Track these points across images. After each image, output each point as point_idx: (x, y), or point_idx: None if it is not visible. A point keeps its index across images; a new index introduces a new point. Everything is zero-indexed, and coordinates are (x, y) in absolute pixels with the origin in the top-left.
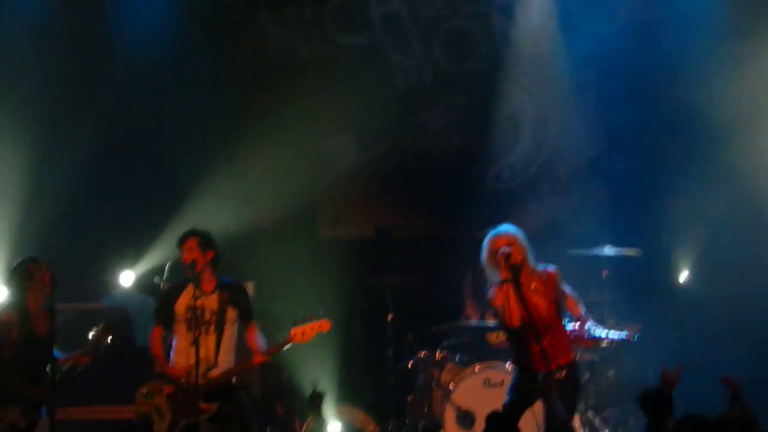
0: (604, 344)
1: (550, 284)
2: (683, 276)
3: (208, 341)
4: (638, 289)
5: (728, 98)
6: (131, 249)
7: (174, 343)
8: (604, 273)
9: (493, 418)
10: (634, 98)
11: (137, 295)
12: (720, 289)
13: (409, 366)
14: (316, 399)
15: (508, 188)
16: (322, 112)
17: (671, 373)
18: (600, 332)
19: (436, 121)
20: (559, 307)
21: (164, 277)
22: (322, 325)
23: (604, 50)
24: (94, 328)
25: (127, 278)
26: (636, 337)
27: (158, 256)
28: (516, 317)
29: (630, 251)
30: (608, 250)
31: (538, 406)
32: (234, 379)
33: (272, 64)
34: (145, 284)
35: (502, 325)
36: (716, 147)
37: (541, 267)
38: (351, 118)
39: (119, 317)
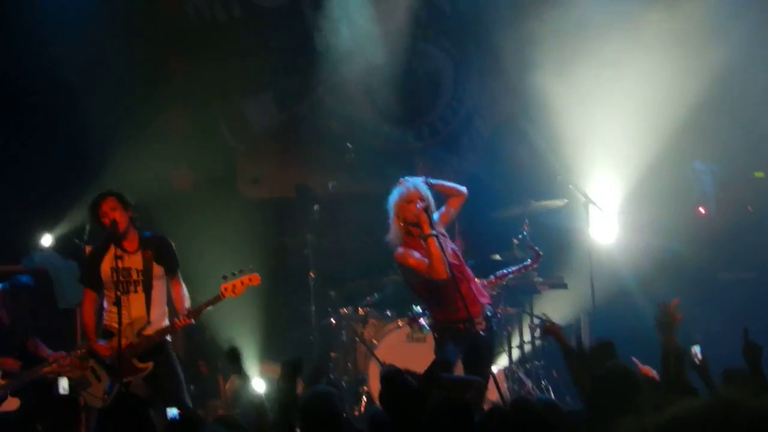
0: (510, 276)
1: (444, 232)
2: (605, 230)
3: (138, 300)
4: (560, 243)
5: None
6: (50, 211)
7: (104, 305)
8: (525, 227)
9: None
10: None
11: (58, 257)
12: (641, 242)
13: (332, 322)
14: (233, 356)
15: (429, 146)
16: (241, 72)
17: (549, 326)
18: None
19: (354, 81)
20: (461, 252)
21: (84, 239)
22: (252, 279)
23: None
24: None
25: (46, 240)
26: (540, 259)
27: (77, 217)
28: (444, 270)
29: (555, 202)
30: (531, 205)
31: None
32: (169, 337)
33: (190, 25)
34: (65, 246)
35: (424, 282)
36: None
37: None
38: (269, 78)
39: (40, 279)
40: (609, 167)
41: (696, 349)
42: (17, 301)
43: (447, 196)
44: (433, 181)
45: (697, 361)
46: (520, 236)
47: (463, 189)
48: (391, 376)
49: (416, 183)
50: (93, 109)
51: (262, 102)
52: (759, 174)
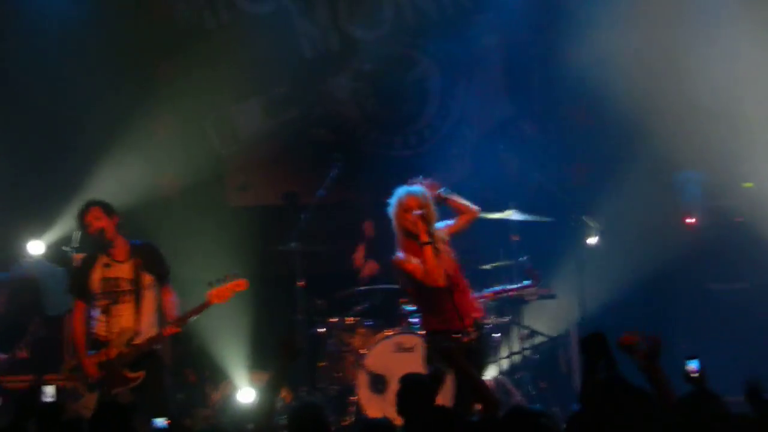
0: (506, 294)
1: (446, 241)
2: (592, 240)
3: (127, 310)
4: (548, 253)
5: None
6: (38, 218)
7: (94, 314)
8: (514, 237)
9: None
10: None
11: (46, 265)
12: (628, 253)
13: (321, 332)
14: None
15: (416, 154)
16: (229, 79)
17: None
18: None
19: (342, 88)
20: (460, 264)
21: (72, 246)
22: (239, 284)
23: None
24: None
25: (35, 247)
26: (539, 283)
27: (66, 225)
28: (441, 277)
29: (541, 217)
30: (517, 215)
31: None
32: (157, 346)
33: (178, 31)
34: (54, 253)
35: (420, 288)
36: (623, 110)
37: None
38: (258, 84)
39: (29, 287)
40: (598, 176)
41: (693, 365)
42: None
43: (459, 212)
44: (447, 194)
45: (693, 376)
46: (521, 259)
47: (476, 208)
48: (413, 379)
49: (413, 190)
50: (81, 116)
51: (250, 109)
52: (749, 184)
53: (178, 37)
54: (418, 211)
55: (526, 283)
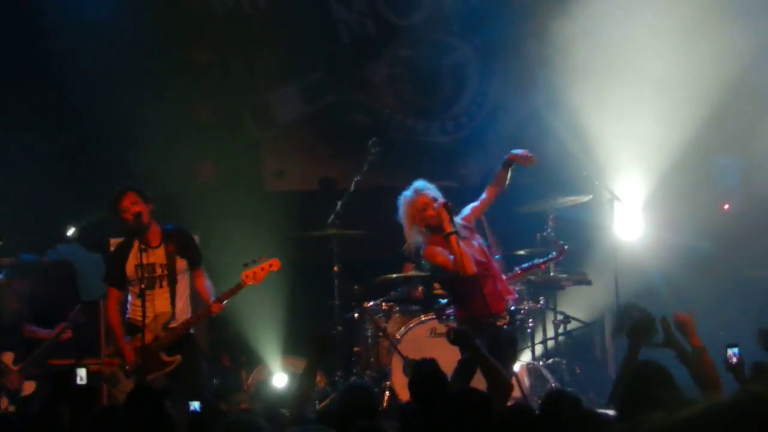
0: (535, 267)
1: (471, 227)
2: (629, 226)
3: (163, 295)
4: (584, 239)
5: None
6: (75, 203)
7: (130, 300)
8: (550, 222)
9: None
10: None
11: (82, 249)
12: (664, 239)
13: (356, 317)
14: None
15: (453, 140)
16: (266, 64)
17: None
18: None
19: (379, 74)
20: (487, 247)
21: (107, 232)
22: (272, 264)
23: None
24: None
25: (70, 232)
26: (565, 249)
27: (101, 210)
28: (470, 265)
29: (580, 198)
30: (554, 200)
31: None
32: (192, 330)
33: (215, 17)
34: (89, 237)
35: (453, 278)
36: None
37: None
38: (295, 70)
39: (65, 271)
40: (634, 163)
41: (732, 351)
42: (25, 282)
43: (497, 181)
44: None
45: (733, 363)
46: (544, 233)
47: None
48: (425, 366)
49: (419, 188)
50: (119, 101)
51: (287, 94)
52: None
53: (215, 22)
54: (440, 201)
55: (551, 255)
